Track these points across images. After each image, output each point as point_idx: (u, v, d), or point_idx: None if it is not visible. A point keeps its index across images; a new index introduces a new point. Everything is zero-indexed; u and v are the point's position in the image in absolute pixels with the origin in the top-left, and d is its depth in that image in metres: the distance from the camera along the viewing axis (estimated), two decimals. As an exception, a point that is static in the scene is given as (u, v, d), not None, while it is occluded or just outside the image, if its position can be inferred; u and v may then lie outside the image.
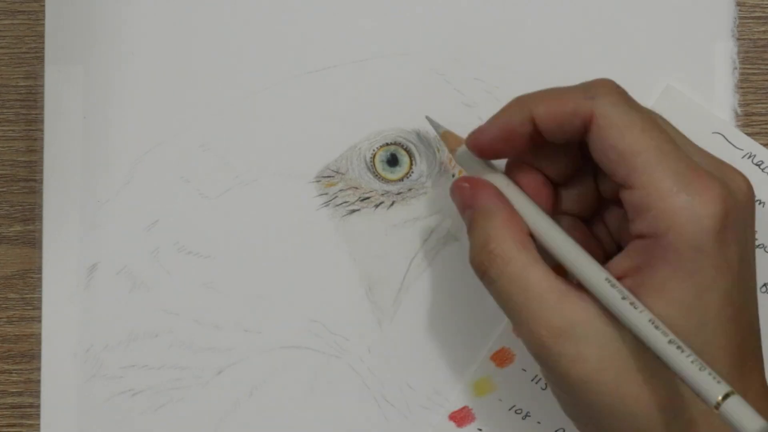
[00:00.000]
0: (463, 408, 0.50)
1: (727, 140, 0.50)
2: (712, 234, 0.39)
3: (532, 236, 0.43)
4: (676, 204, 0.40)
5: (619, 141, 0.41)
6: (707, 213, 0.39)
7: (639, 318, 0.39)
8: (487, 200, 0.44)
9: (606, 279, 0.40)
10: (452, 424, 0.50)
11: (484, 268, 0.42)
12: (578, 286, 0.41)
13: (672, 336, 0.38)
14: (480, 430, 0.50)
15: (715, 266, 0.40)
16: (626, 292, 0.40)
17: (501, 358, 0.50)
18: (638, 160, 0.40)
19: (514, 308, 0.42)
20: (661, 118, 0.43)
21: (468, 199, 0.44)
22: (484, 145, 0.44)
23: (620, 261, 0.41)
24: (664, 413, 0.40)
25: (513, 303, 0.42)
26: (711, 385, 0.37)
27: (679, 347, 0.38)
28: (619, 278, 0.41)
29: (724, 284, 0.40)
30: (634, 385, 0.40)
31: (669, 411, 0.40)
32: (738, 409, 0.36)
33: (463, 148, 0.46)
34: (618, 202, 0.42)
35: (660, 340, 0.38)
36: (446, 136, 0.47)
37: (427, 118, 0.48)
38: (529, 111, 0.43)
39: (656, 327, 0.39)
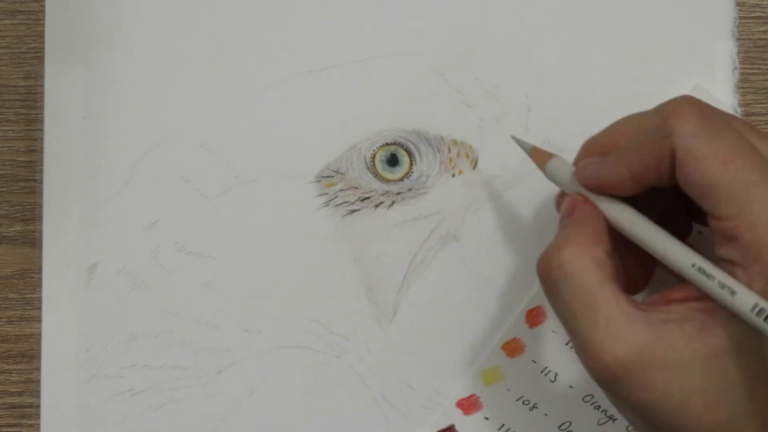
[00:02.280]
0: (471, 396, 0.50)
1: None
2: None
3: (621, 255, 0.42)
4: (764, 236, 0.39)
5: (702, 176, 0.40)
6: None
7: (738, 301, 0.39)
8: (586, 212, 0.43)
9: (693, 265, 0.40)
10: (459, 411, 0.50)
11: (548, 271, 0.42)
12: (648, 306, 0.41)
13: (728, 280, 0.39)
14: (486, 418, 0.50)
15: None
16: (720, 281, 0.40)
17: (511, 348, 0.50)
18: (723, 193, 0.39)
19: (577, 328, 0.41)
20: (747, 130, 0.42)
21: (572, 209, 0.44)
22: (588, 187, 0.44)
23: (691, 285, 0.41)
24: (726, 429, 0.40)
25: (576, 322, 0.41)
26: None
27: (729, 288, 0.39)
28: (688, 300, 0.41)
29: None
30: (698, 407, 0.39)
31: (732, 428, 0.40)
32: None
33: (552, 163, 0.45)
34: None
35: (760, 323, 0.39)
36: (534, 153, 0.47)
37: (513, 137, 0.48)
38: (626, 169, 0.42)
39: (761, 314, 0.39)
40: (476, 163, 0.51)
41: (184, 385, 0.50)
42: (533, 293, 0.50)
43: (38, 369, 0.50)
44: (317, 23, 0.51)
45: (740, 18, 0.51)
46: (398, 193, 0.51)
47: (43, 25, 0.51)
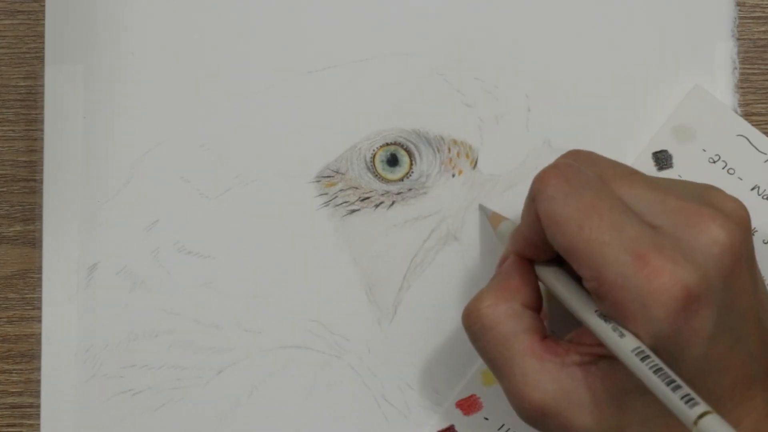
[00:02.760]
0: (471, 396, 0.50)
1: (750, 143, 0.50)
2: (669, 321, 0.39)
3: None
4: (624, 297, 0.39)
5: (561, 239, 0.41)
6: (658, 302, 0.39)
7: (622, 345, 0.39)
8: (511, 266, 0.44)
9: (595, 311, 0.41)
10: (459, 411, 0.50)
11: (469, 322, 0.43)
12: (568, 347, 0.42)
13: (656, 360, 0.39)
14: (486, 419, 0.50)
15: (679, 345, 0.39)
16: (614, 325, 0.40)
17: None
18: (582, 257, 0.40)
19: (499, 376, 0.43)
20: (617, 180, 0.42)
21: (500, 262, 0.45)
22: (520, 253, 0.45)
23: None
24: None
25: (498, 370, 0.43)
26: (688, 406, 0.37)
27: (659, 370, 0.38)
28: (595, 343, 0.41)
29: (696, 356, 0.40)
30: None
31: None
32: (714, 426, 0.37)
33: (502, 226, 0.47)
34: None
35: (641, 367, 0.39)
36: (492, 218, 0.49)
37: (480, 206, 0.50)
38: (520, 244, 0.44)
39: (639, 355, 0.39)
40: (476, 163, 0.51)
41: (184, 385, 0.50)
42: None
43: (38, 369, 0.50)
44: (317, 23, 0.51)
45: (740, 18, 0.51)
46: (398, 193, 0.51)
47: (43, 25, 0.51)
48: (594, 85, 0.51)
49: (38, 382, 0.50)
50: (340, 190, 0.51)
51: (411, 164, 0.51)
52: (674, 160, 0.50)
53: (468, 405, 0.50)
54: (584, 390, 0.41)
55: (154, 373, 0.50)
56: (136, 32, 0.51)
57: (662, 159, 0.50)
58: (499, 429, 0.50)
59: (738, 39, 0.51)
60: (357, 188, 0.51)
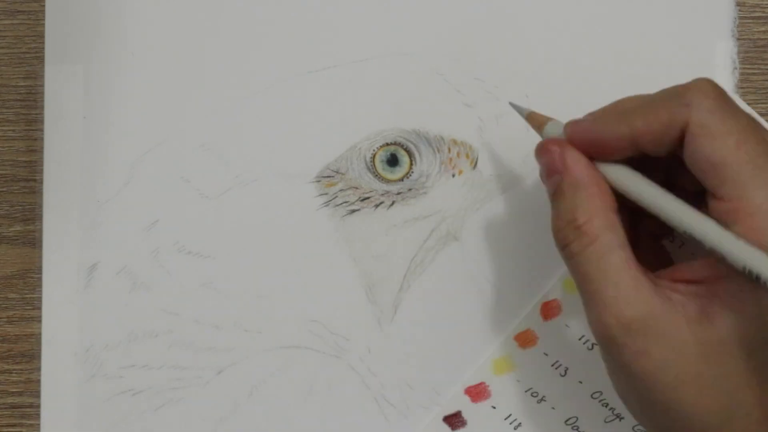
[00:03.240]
0: (480, 384, 0.50)
1: None
2: None
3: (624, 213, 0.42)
4: (763, 223, 0.39)
5: (712, 152, 0.40)
6: None
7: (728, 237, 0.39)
8: (580, 169, 0.42)
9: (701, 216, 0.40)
10: (467, 398, 0.50)
11: (567, 241, 0.42)
12: (658, 278, 0.41)
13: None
14: (494, 407, 0.50)
15: None
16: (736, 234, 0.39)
17: (524, 339, 0.50)
18: (730, 172, 0.39)
19: (589, 289, 0.41)
20: (761, 125, 0.42)
21: (557, 163, 0.43)
22: (576, 142, 0.43)
23: (698, 267, 0.41)
24: (718, 420, 0.40)
25: (588, 284, 0.41)
26: None
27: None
28: (692, 281, 0.40)
29: None
30: (692, 389, 0.40)
31: (724, 418, 0.40)
32: None
33: (550, 125, 0.45)
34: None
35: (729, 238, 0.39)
36: (532, 117, 0.46)
37: (511, 103, 0.48)
38: (628, 128, 0.42)
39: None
40: (476, 163, 0.51)
41: (184, 385, 0.50)
42: (549, 286, 0.50)
43: (38, 369, 0.50)
44: (317, 23, 0.51)
45: (740, 18, 0.51)
46: (398, 193, 0.51)
47: (43, 25, 0.51)
48: (594, 85, 0.51)
49: (38, 382, 0.50)
50: (340, 190, 0.51)
51: (411, 164, 0.51)
52: None
53: (477, 392, 0.50)
54: (672, 325, 0.40)
55: (154, 373, 0.50)
56: (136, 32, 0.51)
57: None
58: (506, 419, 0.50)
59: (738, 39, 0.51)
60: (357, 188, 0.51)
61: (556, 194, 0.43)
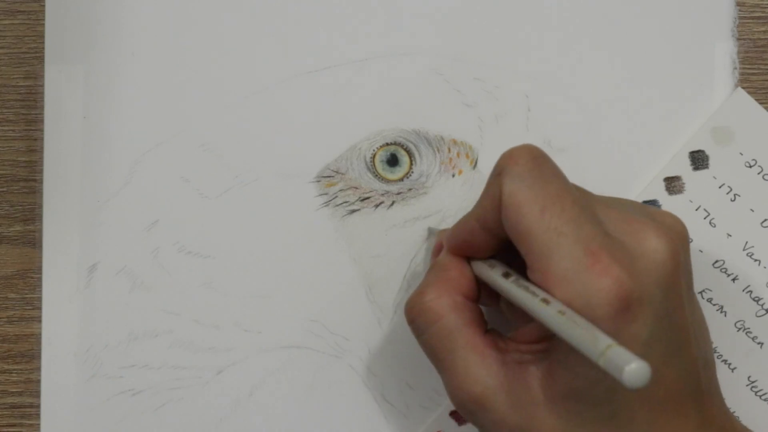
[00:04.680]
0: None
1: None
2: (610, 320, 0.39)
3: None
4: (570, 292, 0.39)
5: (519, 221, 0.40)
6: (601, 301, 0.39)
7: (547, 311, 0.39)
8: (445, 255, 0.45)
9: (511, 278, 0.41)
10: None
11: (412, 316, 0.43)
12: (509, 341, 0.42)
13: (561, 306, 0.39)
14: None
15: (623, 340, 0.39)
16: (529, 285, 0.40)
17: None
18: (535, 241, 0.40)
19: (439, 366, 0.43)
20: (574, 189, 0.42)
21: (435, 251, 0.46)
22: (453, 252, 0.45)
23: (540, 326, 0.41)
24: None
25: (438, 361, 0.43)
26: (594, 341, 0.37)
27: (563, 313, 0.38)
28: (537, 341, 0.41)
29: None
30: None
31: None
32: (618, 356, 0.36)
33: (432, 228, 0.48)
34: None
35: (549, 313, 0.39)
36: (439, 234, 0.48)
37: (430, 230, 0.50)
38: (474, 220, 0.43)
39: (547, 303, 0.39)
40: (476, 163, 0.51)
41: (184, 385, 0.50)
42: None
43: (38, 369, 0.50)
44: (317, 23, 0.51)
45: (740, 18, 0.51)
46: (398, 193, 0.51)
47: (43, 25, 0.51)
48: (594, 85, 0.51)
49: (38, 382, 0.50)
50: (340, 190, 0.51)
51: (411, 164, 0.51)
52: (710, 161, 0.50)
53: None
54: (522, 388, 0.41)
55: (154, 373, 0.50)
56: (136, 32, 0.51)
57: (698, 159, 0.51)
58: None
59: (738, 39, 0.51)
60: (357, 188, 0.51)
61: (425, 273, 0.45)
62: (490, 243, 0.43)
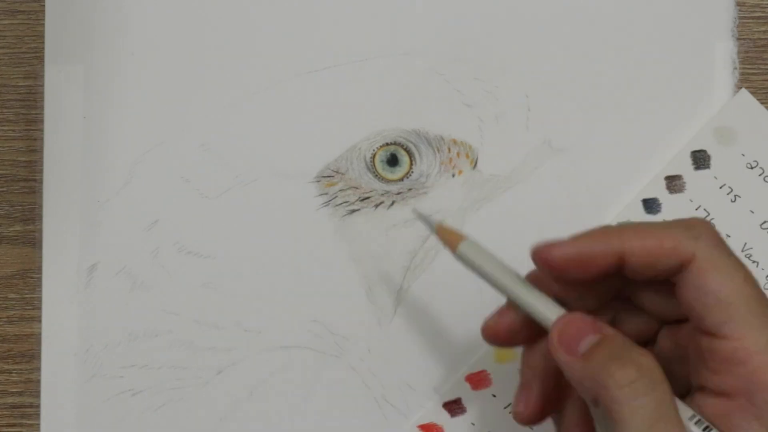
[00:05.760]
0: (481, 371, 0.50)
1: None
2: None
3: None
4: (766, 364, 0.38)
5: (721, 287, 0.39)
6: None
7: None
8: (639, 361, 0.39)
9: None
10: (468, 385, 0.50)
11: (638, 374, 0.38)
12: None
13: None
14: (494, 396, 0.50)
15: None
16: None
17: None
18: (739, 308, 0.38)
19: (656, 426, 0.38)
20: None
21: (589, 328, 0.40)
22: (554, 262, 0.40)
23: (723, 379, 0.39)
24: None
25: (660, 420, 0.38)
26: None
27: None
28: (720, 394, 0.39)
29: None
30: None
31: None
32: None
33: (465, 245, 0.42)
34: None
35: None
36: (442, 231, 0.43)
37: (417, 213, 0.46)
38: (619, 243, 0.40)
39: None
40: (476, 163, 0.51)
41: (184, 385, 0.50)
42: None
43: (38, 369, 0.50)
44: (317, 23, 0.51)
45: (740, 18, 0.51)
46: (398, 193, 0.51)
47: (43, 25, 0.51)
48: (593, 85, 0.51)
49: (38, 382, 0.50)
50: (340, 190, 0.51)
51: (411, 164, 0.51)
52: (712, 161, 0.50)
53: (478, 380, 0.50)
54: None
55: (154, 373, 0.50)
56: (136, 32, 0.51)
57: (700, 159, 0.51)
58: (506, 407, 0.50)
59: (738, 39, 0.51)
60: (357, 188, 0.51)
61: (620, 401, 0.38)
62: (600, 275, 0.40)
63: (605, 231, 0.41)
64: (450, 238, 0.42)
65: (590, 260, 0.40)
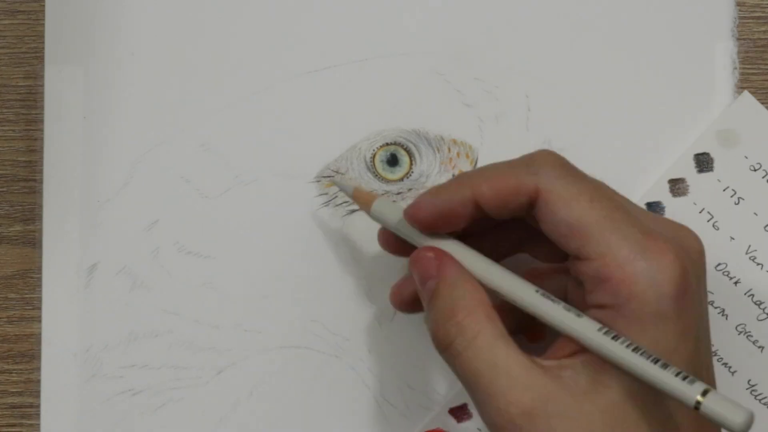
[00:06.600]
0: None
1: None
2: (673, 299, 0.39)
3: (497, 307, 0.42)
4: (635, 271, 0.39)
5: (568, 214, 0.40)
6: (666, 278, 0.39)
7: (615, 345, 0.39)
8: (454, 271, 0.43)
9: (537, 290, 0.41)
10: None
11: (449, 340, 0.41)
12: (543, 360, 0.41)
13: (645, 349, 0.38)
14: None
15: (677, 332, 0.39)
16: (601, 325, 0.40)
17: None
18: (590, 230, 0.40)
19: (481, 384, 0.40)
20: (607, 186, 0.42)
21: (433, 269, 0.43)
22: (422, 220, 0.44)
23: (565, 344, 0.41)
24: None
25: (480, 378, 0.40)
26: (687, 387, 0.37)
27: (654, 359, 0.38)
28: (575, 353, 0.40)
29: (686, 350, 0.40)
30: None
31: None
32: (719, 404, 0.36)
33: (378, 204, 0.46)
34: (563, 272, 0.43)
35: (639, 360, 0.38)
36: (358, 195, 0.47)
37: (335, 181, 0.49)
38: (470, 191, 0.42)
39: (632, 349, 0.39)
40: (476, 163, 0.51)
41: (184, 385, 0.50)
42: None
43: (38, 369, 0.50)
44: (317, 23, 0.51)
45: (740, 18, 0.51)
46: (398, 193, 0.51)
47: (43, 25, 0.51)
48: (593, 85, 0.51)
49: (38, 382, 0.50)
50: (340, 190, 0.51)
51: (411, 164, 0.51)
52: (715, 164, 0.50)
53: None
54: (571, 400, 0.39)
55: (154, 373, 0.50)
56: (136, 32, 0.51)
57: (703, 161, 0.50)
58: None
59: (738, 39, 0.51)
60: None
61: (432, 297, 0.43)
62: (466, 222, 0.43)
63: (459, 180, 0.43)
64: (366, 199, 0.46)
65: (451, 212, 0.43)
